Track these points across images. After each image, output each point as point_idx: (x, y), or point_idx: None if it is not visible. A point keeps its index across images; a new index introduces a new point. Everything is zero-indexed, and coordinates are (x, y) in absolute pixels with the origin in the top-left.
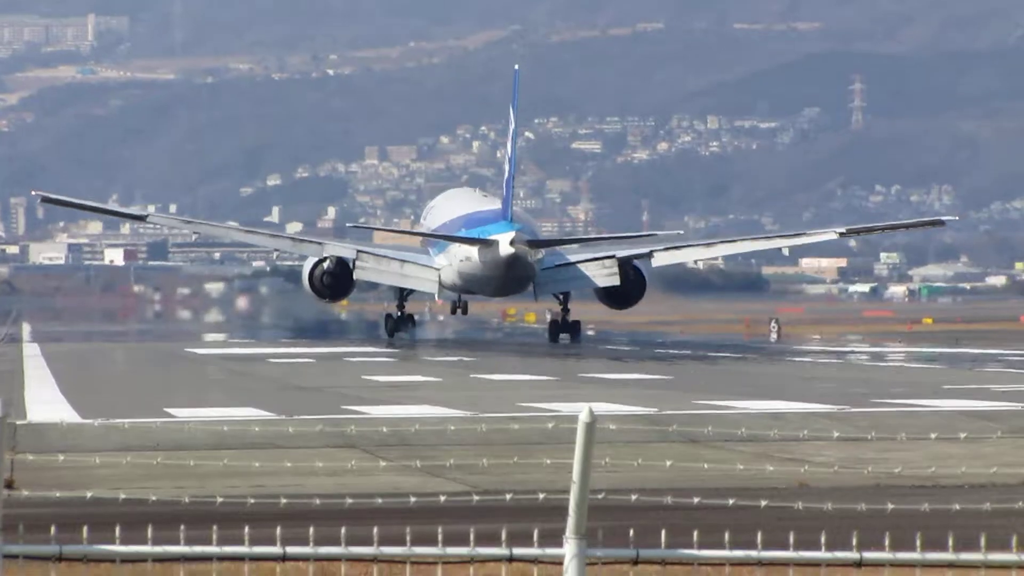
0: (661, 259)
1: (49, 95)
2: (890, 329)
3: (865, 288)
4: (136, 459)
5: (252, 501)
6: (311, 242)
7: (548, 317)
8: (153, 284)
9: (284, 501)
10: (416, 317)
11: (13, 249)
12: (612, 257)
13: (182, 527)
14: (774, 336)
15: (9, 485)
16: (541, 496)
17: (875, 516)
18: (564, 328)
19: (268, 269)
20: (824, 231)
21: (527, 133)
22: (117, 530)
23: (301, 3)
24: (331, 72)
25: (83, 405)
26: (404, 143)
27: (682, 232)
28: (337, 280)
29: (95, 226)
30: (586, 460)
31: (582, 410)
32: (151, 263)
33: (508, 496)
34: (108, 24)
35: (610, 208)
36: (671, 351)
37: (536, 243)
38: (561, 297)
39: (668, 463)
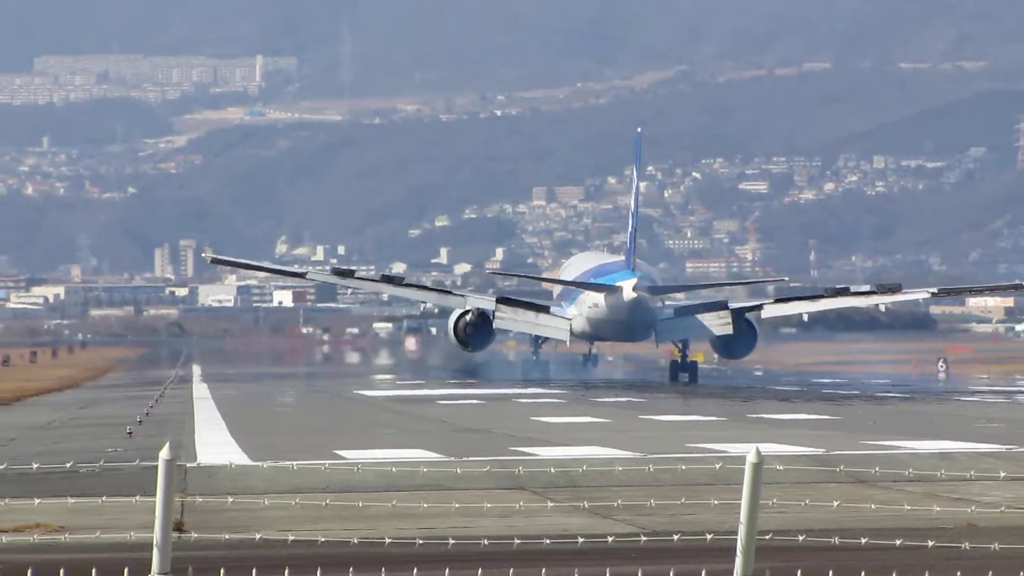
0: (770, 311)
1: (217, 137)
2: None
3: None
4: (305, 501)
5: (420, 542)
6: (455, 295)
7: (716, 358)
8: (322, 325)
9: (452, 542)
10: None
11: (183, 291)
12: (726, 308)
13: (351, 569)
14: (942, 375)
15: (179, 528)
16: (709, 537)
17: None
18: (683, 368)
19: (436, 311)
20: (919, 290)
21: (694, 173)
22: (286, 572)
23: (468, 44)
24: (498, 113)
25: (252, 447)
26: (571, 184)
27: (787, 278)
28: (478, 330)
29: None
30: (754, 501)
31: (750, 451)
32: (319, 304)
33: (676, 537)
34: (276, 65)
35: (777, 248)
36: (839, 391)
37: (657, 289)
38: (680, 344)
39: (835, 503)
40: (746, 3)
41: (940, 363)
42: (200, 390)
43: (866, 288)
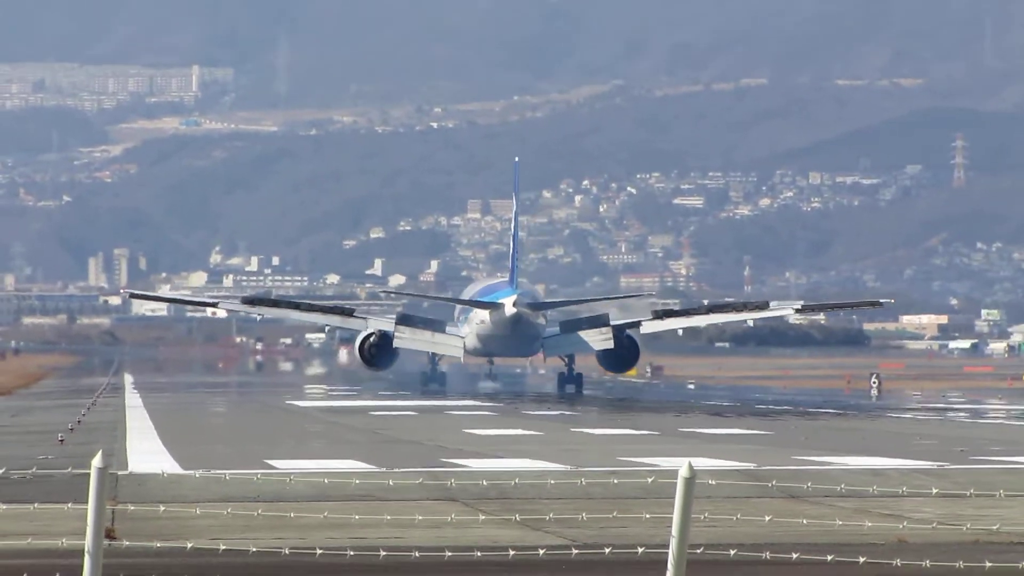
0: (649, 327)
1: (153, 146)
2: (991, 385)
3: (966, 344)
4: (237, 510)
5: (352, 553)
6: (357, 317)
7: (648, 372)
8: (255, 335)
9: (384, 554)
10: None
11: (116, 300)
12: (607, 324)
13: None
14: (874, 392)
15: (110, 535)
16: (640, 550)
17: (974, 573)
18: (570, 380)
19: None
20: (785, 305)
21: (629, 188)
22: None
23: (405, 55)
24: (435, 125)
25: (184, 456)
26: (507, 197)
27: (653, 294)
28: (381, 351)
29: (198, 277)
30: (686, 514)
31: (682, 465)
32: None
33: (607, 550)
34: (212, 75)
35: (711, 264)
36: (771, 406)
37: (537, 305)
38: (567, 358)
39: (767, 518)
40: (684, 18)
41: (873, 379)
42: (132, 399)
43: (737, 304)
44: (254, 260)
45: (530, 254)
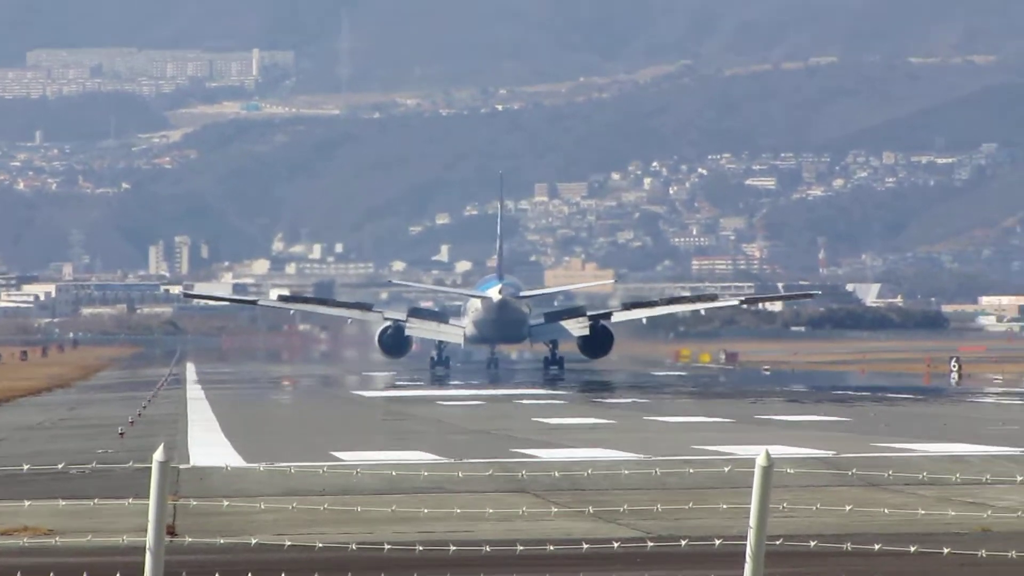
0: (618, 317)
1: (213, 132)
2: None
3: None
4: (302, 504)
5: (421, 548)
6: (374, 311)
7: (722, 356)
8: (320, 323)
9: (453, 548)
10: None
11: (177, 289)
12: (584, 315)
13: (349, 574)
14: (955, 376)
15: (171, 532)
16: (717, 542)
17: None
18: (553, 362)
19: (437, 309)
20: (732, 299)
21: (700, 169)
22: None
23: (469, 37)
24: (499, 107)
25: (247, 449)
26: (574, 180)
27: (615, 280)
28: (396, 340)
29: (260, 265)
30: (763, 505)
31: (759, 453)
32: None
33: (683, 542)
34: (273, 59)
35: (785, 246)
36: (849, 392)
37: (519, 297)
38: (550, 344)
39: (847, 508)
40: None
41: (953, 362)
42: (194, 391)
43: (691, 296)
44: (317, 247)
45: (599, 238)
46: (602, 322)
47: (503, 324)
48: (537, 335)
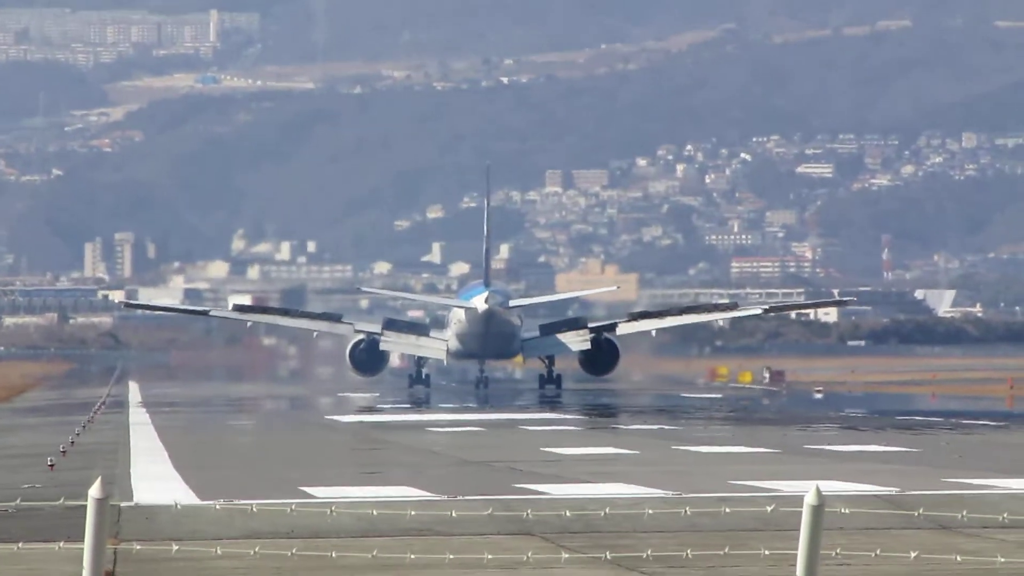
0: (624, 329)
1: (162, 109)
2: None
3: None
4: (266, 549)
5: None
6: (344, 322)
7: (766, 375)
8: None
9: None
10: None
11: (118, 295)
12: (585, 327)
13: None
14: None
15: None
16: None
17: None
18: (550, 380)
19: (427, 320)
20: (752, 307)
21: (743, 154)
22: None
23: None
24: (505, 80)
25: (201, 483)
26: (593, 167)
27: (618, 288)
28: (370, 355)
29: (218, 267)
30: (813, 550)
31: (808, 490)
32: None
33: None
34: (234, 22)
35: (842, 245)
36: (917, 417)
37: (508, 307)
38: (547, 360)
39: (913, 554)
40: None
41: None
42: (138, 414)
43: (708, 304)
44: (285, 246)
45: (621, 235)
46: (606, 335)
47: (490, 337)
48: (531, 350)
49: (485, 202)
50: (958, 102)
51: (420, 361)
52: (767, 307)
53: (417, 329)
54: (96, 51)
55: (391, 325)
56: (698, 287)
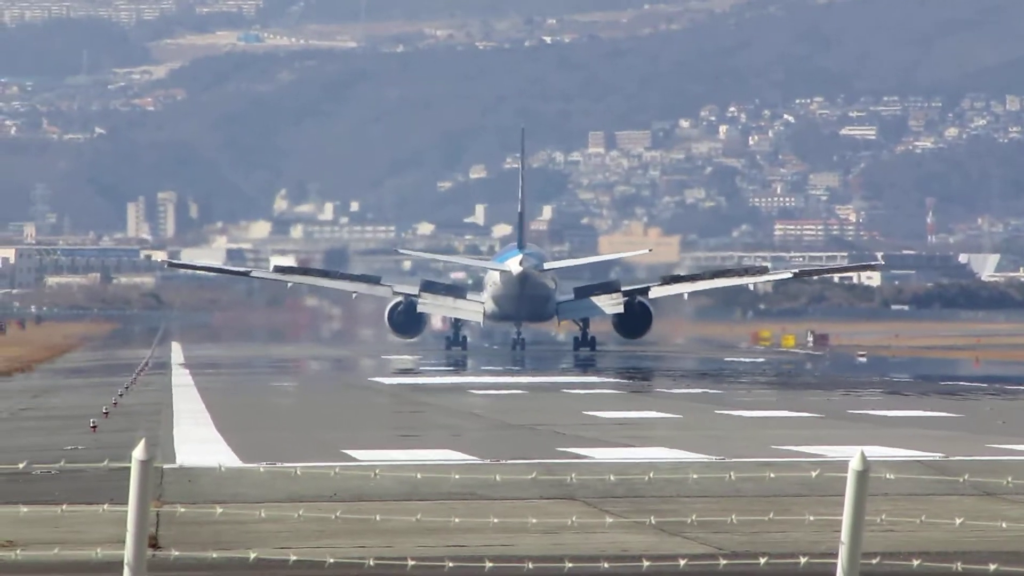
0: (657, 292)
1: (204, 67)
2: None
3: None
4: (309, 512)
5: (451, 565)
6: (383, 284)
7: (809, 339)
8: (329, 298)
9: (490, 565)
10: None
11: (160, 255)
12: (618, 290)
13: None
14: None
15: (154, 544)
16: (802, 560)
17: None
18: (584, 343)
19: (470, 282)
20: (781, 272)
21: (786, 116)
22: None
23: None
24: (548, 40)
25: (245, 446)
26: (636, 128)
27: (651, 250)
28: (408, 317)
29: (260, 228)
30: (858, 516)
31: (853, 455)
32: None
33: (762, 560)
34: None
35: (886, 208)
36: (961, 383)
37: (543, 269)
38: (581, 323)
39: (958, 521)
40: None
41: None
42: (180, 376)
43: (738, 268)
44: (328, 207)
45: (664, 197)
46: (639, 298)
47: (525, 300)
48: (565, 312)
49: (519, 165)
50: (1002, 64)
51: (457, 323)
52: (796, 271)
53: (454, 291)
54: (139, 9)
55: (429, 287)
56: (741, 250)
